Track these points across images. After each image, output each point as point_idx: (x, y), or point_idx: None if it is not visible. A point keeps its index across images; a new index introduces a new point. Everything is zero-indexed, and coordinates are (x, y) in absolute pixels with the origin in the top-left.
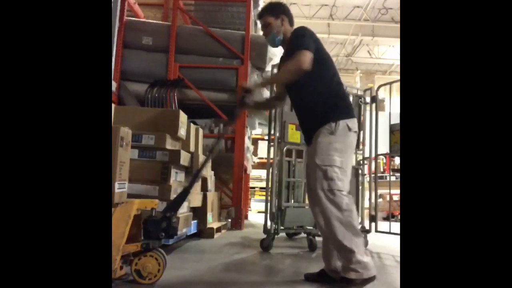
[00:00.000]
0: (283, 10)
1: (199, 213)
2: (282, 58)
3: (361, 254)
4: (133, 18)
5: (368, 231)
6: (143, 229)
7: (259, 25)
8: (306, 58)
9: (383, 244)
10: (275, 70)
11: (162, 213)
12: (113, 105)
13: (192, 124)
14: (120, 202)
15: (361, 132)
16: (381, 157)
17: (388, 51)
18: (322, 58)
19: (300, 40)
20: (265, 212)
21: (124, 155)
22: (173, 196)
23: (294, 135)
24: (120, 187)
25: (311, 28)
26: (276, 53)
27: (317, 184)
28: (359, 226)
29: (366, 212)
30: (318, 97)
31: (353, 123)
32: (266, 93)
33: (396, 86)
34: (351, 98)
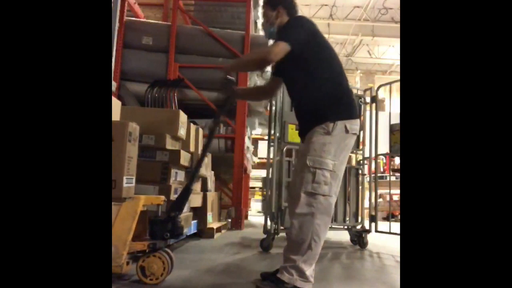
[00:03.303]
0: (281, 1)
1: (199, 213)
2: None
3: (306, 264)
4: (133, 18)
5: (368, 231)
6: (149, 229)
7: (259, 25)
8: (277, 49)
9: (383, 244)
10: None
11: (167, 213)
12: (119, 103)
13: (192, 124)
14: (127, 197)
15: (361, 132)
16: (381, 157)
17: (388, 51)
18: (319, 54)
19: (286, 30)
20: (265, 212)
21: (132, 150)
22: (173, 196)
23: (294, 135)
24: (128, 182)
25: None
26: None
27: (302, 185)
28: (359, 226)
29: (366, 212)
30: (315, 95)
31: (352, 124)
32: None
33: (396, 86)
34: None
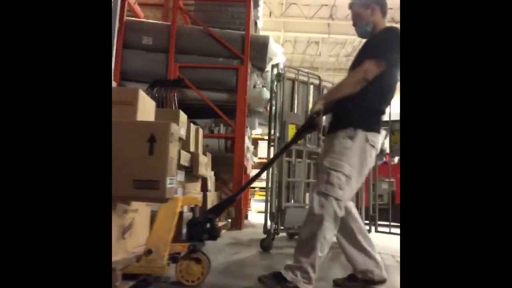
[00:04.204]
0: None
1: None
2: (360, 50)
3: (311, 266)
4: (133, 18)
5: (368, 231)
6: (187, 231)
7: (259, 25)
8: (375, 69)
9: (383, 244)
10: (275, 70)
11: (205, 215)
12: (154, 103)
13: (192, 124)
14: (170, 197)
15: None
16: None
17: None
18: (386, 68)
19: (379, 45)
20: (265, 212)
21: (173, 151)
22: None
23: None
24: (170, 182)
25: (311, 28)
26: (276, 53)
27: (318, 185)
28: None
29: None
30: (360, 101)
31: (372, 136)
32: (266, 93)
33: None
34: None
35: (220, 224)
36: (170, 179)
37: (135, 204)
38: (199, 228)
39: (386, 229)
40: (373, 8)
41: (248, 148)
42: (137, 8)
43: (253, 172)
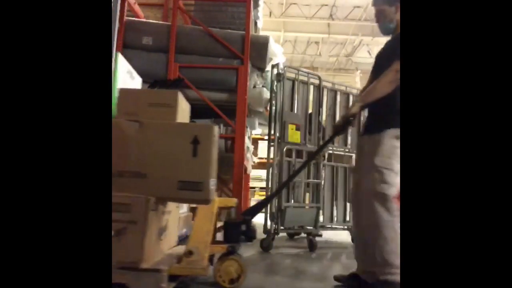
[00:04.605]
0: None
1: None
2: (385, 48)
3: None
4: (133, 18)
5: None
6: (224, 232)
7: (259, 25)
8: None
9: None
10: (275, 70)
11: (242, 216)
12: (189, 106)
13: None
14: (212, 199)
15: None
16: None
17: None
18: None
19: None
20: (265, 212)
21: (215, 153)
22: None
23: (294, 135)
24: (212, 184)
25: (311, 28)
26: (276, 53)
27: (371, 185)
28: None
29: None
30: (392, 99)
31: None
32: (266, 93)
33: None
34: (351, 98)
35: (219, 224)
36: (212, 180)
37: (169, 206)
38: (236, 229)
39: None
40: (397, 6)
41: (248, 148)
42: (137, 8)
43: (253, 172)
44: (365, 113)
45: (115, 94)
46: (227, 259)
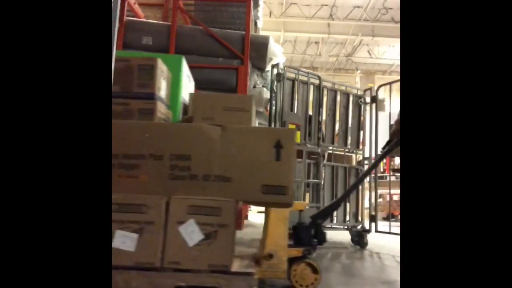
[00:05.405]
0: None
1: None
2: None
3: None
4: (133, 18)
5: (368, 231)
6: (295, 235)
7: (259, 25)
8: None
9: (383, 244)
10: (275, 70)
11: (313, 220)
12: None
13: None
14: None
15: (361, 132)
16: None
17: (388, 51)
18: None
19: None
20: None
21: (295, 157)
22: None
23: None
24: (293, 188)
25: (311, 28)
26: (276, 53)
27: None
28: (359, 226)
29: (366, 212)
30: None
31: None
32: (266, 93)
33: (396, 86)
34: (351, 98)
35: None
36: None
37: None
38: (308, 233)
39: (386, 229)
40: None
41: None
42: (137, 8)
43: None
44: None
45: (180, 99)
46: (303, 263)
